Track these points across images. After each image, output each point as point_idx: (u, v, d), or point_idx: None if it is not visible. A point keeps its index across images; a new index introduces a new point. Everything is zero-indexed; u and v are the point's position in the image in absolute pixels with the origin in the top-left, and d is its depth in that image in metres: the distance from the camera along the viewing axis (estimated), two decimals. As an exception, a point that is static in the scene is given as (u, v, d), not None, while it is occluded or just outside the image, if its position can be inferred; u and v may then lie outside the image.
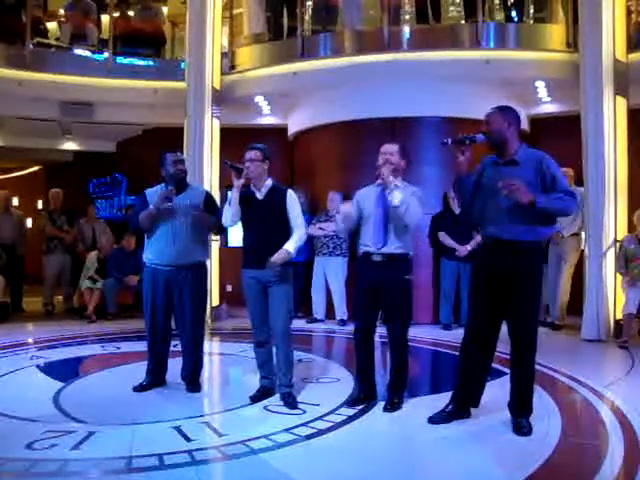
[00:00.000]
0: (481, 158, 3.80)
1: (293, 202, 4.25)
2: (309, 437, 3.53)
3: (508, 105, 3.77)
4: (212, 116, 7.85)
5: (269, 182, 4.27)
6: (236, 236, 8.03)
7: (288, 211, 4.22)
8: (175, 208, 4.43)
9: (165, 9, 9.68)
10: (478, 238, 6.93)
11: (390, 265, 4.05)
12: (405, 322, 4.14)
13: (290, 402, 4.09)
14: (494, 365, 4.00)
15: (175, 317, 4.59)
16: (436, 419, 3.75)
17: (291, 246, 4.12)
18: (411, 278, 4.14)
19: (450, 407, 3.80)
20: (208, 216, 4.51)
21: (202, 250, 4.61)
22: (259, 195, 4.23)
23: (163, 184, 4.56)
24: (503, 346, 3.79)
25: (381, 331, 4.37)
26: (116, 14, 9.01)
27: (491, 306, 3.68)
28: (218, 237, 7.68)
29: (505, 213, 3.54)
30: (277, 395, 4.23)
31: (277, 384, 4.27)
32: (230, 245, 8.87)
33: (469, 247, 7.09)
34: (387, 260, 4.05)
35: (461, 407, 3.81)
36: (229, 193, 4.25)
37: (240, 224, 4.29)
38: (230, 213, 4.16)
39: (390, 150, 4.12)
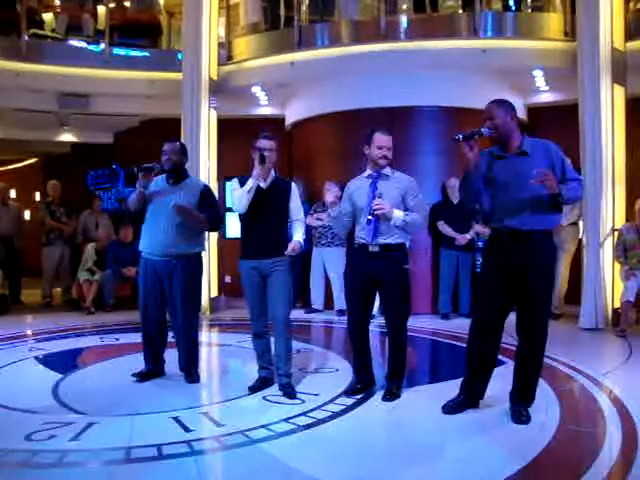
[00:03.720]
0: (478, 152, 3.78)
1: (296, 196, 4.29)
2: (308, 427, 3.54)
3: (503, 98, 3.76)
4: (209, 107, 7.83)
5: (272, 173, 4.27)
6: (234, 227, 8.03)
7: (290, 204, 4.24)
8: (152, 167, 4.43)
9: (161, -1, 9.64)
10: (477, 227, 6.97)
11: (387, 255, 4.05)
12: (404, 312, 4.15)
13: (289, 392, 4.10)
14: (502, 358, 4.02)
15: (168, 308, 4.58)
16: (449, 408, 3.73)
17: (300, 237, 4.22)
18: (409, 267, 4.14)
19: (461, 397, 3.80)
20: (195, 212, 4.40)
21: (195, 242, 4.54)
22: (263, 185, 4.20)
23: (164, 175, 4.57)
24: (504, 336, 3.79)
25: (379, 321, 4.37)
26: (112, 4, 8.95)
27: (504, 298, 3.65)
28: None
29: (526, 204, 3.53)
30: (276, 385, 4.24)
31: (276, 374, 4.27)
32: (229, 236, 8.87)
33: (468, 236, 7.16)
34: (384, 251, 4.05)
35: (470, 398, 3.81)
36: (230, 182, 4.23)
37: (238, 214, 4.28)
38: (246, 200, 4.09)
39: (388, 144, 4.09)
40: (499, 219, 3.63)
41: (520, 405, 3.63)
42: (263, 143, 4.17)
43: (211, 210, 4.53)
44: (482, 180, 3.62)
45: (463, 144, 3.54)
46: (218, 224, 4.76)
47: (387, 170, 4.13)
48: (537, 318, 3.62)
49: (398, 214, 3.98)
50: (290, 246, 4.13)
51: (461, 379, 3.86)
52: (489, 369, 3.80)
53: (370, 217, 3.99)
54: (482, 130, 3.57)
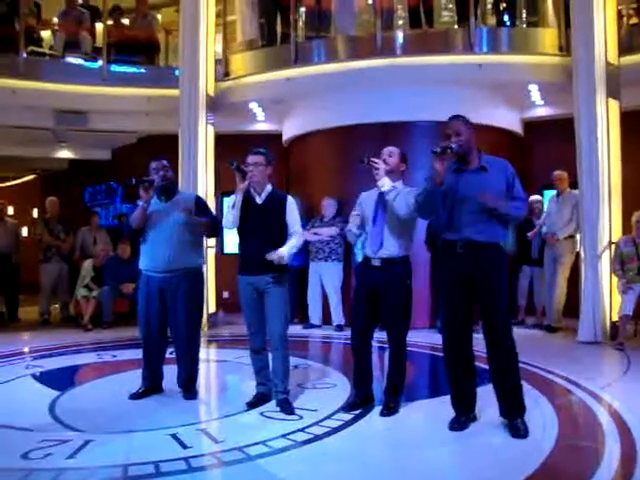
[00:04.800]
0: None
1: (292, 208, 4.27)
2: (306, 443, 3.52)
3: (462, 115, 3.82)
4: (206, 123, 7.86)
5: (269, 187, 4.28)
6: (232, 242, 8.03)
7: (287, 217, 4.23)
8: (154, 180, 4.43)
9: (159, 17, 9.69)
10: None
11: (389, 269, 4.06)
12: (404, 327, 4.15)
13: (286, 408, 4.08)
14: (483, 366, 4.03)
15: (170, 324, 4.58)
16: (457, 427, 3.69)
17: (286, 250, 4.13)
18: (411, 281, 4.14)
19: (460, 415, 3.78)
20: (197, 218, 4.48)
21: (195, 255, 4.59)
22: (258, 200, 4.23)
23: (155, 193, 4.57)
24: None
25: (378, 336, 4.37)
26: (110, 22, 9.02)
27: (464, 307, 3.74)
28: (213, 243, 7.67)
29: (484, 217, 3.66)
30: (273, 401, 4.23)
31: (273, 390, 4.26)
32: (226, 252, 8.87)
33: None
34: (386, 264, 4.07)
35: (465, 413, 3.79)
36: (229, 198, 4.25)
37: (236, 229, 4.29)
38: (232, 216, 4.15)
39: (389, 151, 4.19)
40: (457, 230, 3.70)
41: (514, 419, 3.62)
42: (248, 158, 4.20)
43: (210, 216, 4.62)
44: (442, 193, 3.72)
45: (436, 157, 3.61)
46: (217, 229, 4.78)
47: (397, 183, 4.14)
48: (501, 324, 3.67)
49: (387, 181, 4.03)
50: (271, 254, 4.07)
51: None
52: (472, 379, 3.81)
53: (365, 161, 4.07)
54: (452, 145, 3.64)
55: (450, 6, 8.31)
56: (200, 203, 4.68)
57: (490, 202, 3.58)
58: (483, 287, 3.66)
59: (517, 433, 3.54)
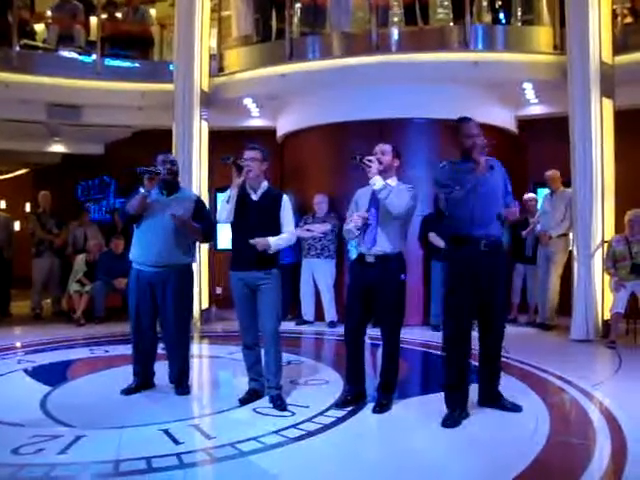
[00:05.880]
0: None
1: (287, 207, 4.28)
2: (298, 439, 3.52)
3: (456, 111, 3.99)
4: (200, 118, 7.84)
5: (265, 184, 4.27)
6: (225, 238, 8.02)
7: (281, 215, 4.23)
8: (160, 171, 4.40)
9: (153, 11, 9.65)
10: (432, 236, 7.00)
11: (383, 265, 4.07)
12: (397, 323, 4.15)
13: (279, 404, 4.08)
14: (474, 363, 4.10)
15: (159, 320, 4.57)
16: (450, 423, 3.71)
17: (273, 240, 4.11)
18: (404, 278, 4.14)
19: (455, 411, 3.80)
20: (192, 223, 4.44)
21: (187, 253, 4.57)
22: (254, 196, 4.23)
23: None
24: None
25: (371, 332, 4.38)
26: (104, 16, 8.97)
27: (473, 306, 3.83)
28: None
29: (497, 215, 3.87)
30: (266, 397, 4.22)
31: (266, 386, 4.25)
32: (219, 248, 8.85)
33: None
34: (379, 260, 4.08)
35: (461, 409, 3.82)
36: (223, 193, 4.23)
37: (230, 225, 4.27)
38: (227, 210, 4.13)
39: (382, 149, 4.18)
40: (481, 226, 3.79)
41: (499, 399, 3.92)
42: (245, 154, 4.20)
43: (205, 221, 4.59)
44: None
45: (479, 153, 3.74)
46: (212, 235, 4.77)
47: (391, 180, 4.13)
48: (502, 318, 4.03)
49: (379, 179, 4.02)
50: (256, 239, 4.06)
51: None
52: (468, 376, 3.90)
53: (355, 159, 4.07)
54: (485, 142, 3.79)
55: (445, 3, 8.29)
56: (200, 205, 4.64)
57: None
58: (489, 284, 3.81)
59: (511, 408, 3.90)
